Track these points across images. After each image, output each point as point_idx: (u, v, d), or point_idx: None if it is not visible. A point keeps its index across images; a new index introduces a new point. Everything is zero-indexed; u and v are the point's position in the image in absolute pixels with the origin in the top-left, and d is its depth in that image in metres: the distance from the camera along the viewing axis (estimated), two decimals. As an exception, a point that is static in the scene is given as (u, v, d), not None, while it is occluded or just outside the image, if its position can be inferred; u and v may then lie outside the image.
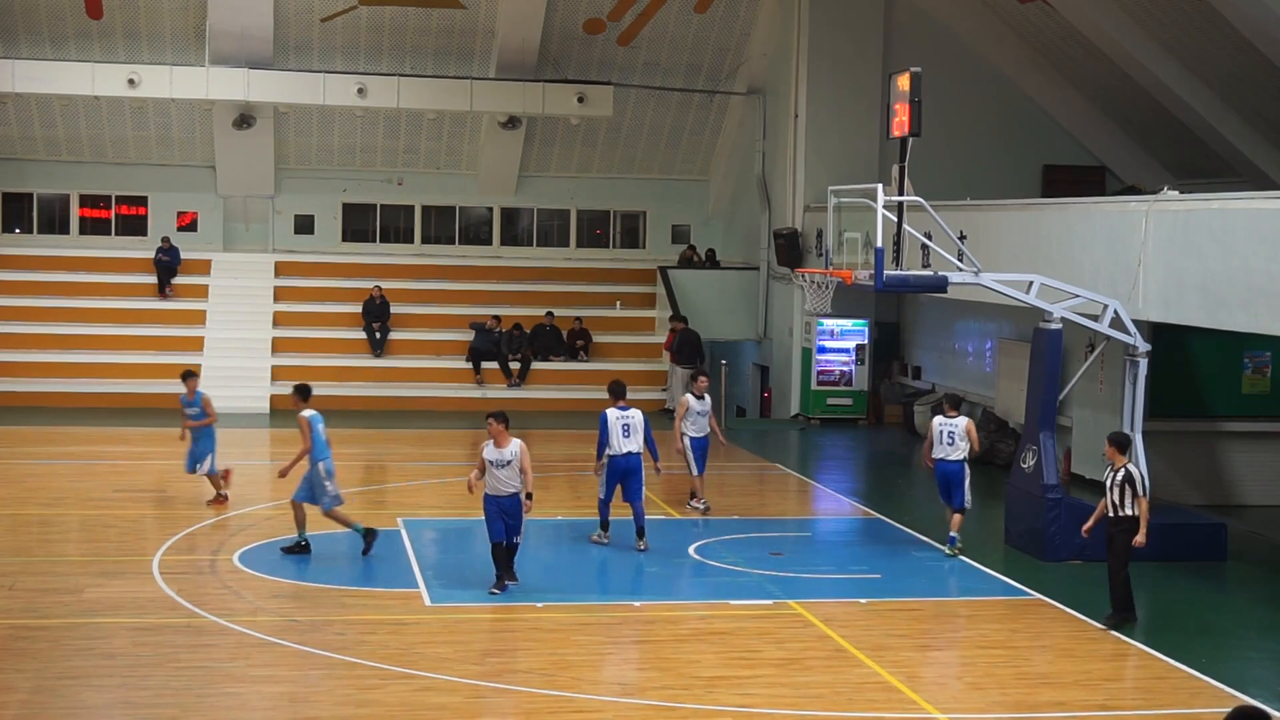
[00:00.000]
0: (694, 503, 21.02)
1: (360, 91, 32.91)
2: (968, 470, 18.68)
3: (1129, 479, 15.47)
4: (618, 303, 34.94)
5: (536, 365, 32.68)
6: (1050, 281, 18.88)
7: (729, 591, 16.57)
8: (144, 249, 34.13)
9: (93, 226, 35.02)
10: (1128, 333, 18.64)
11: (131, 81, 32.14)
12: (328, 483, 17.68)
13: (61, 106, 33.24)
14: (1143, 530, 15.41)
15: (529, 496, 16.12)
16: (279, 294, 33.82)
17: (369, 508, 20.54)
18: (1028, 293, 18.75)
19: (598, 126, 35.12)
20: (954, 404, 18.96)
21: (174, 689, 12.84)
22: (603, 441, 18.40)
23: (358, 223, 35.97)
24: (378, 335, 32.66)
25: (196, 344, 31.87)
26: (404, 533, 19.08)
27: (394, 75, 33.26)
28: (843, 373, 30.85)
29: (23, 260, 33.71)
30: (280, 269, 34.45)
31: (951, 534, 18.65)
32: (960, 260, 19.41)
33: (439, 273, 35.03)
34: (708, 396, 20.91)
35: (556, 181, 36.43)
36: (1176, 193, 19.34)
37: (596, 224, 37.25)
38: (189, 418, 20.63)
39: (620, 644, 14.89)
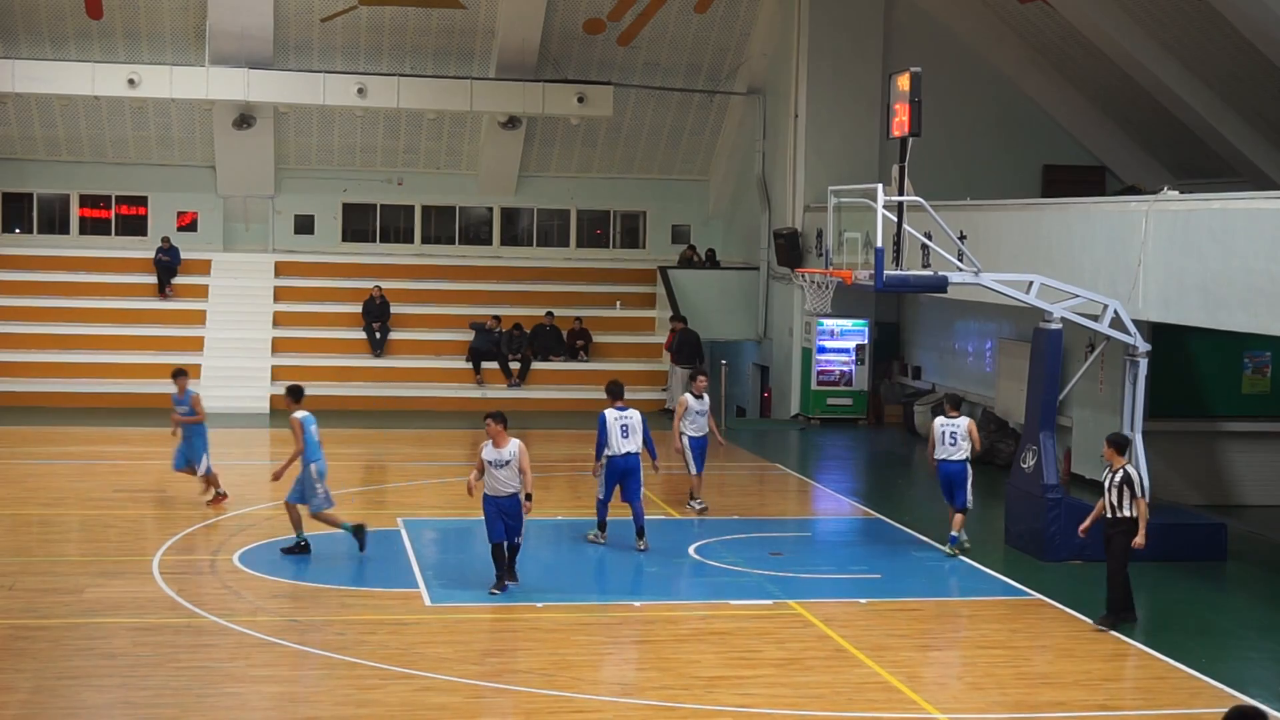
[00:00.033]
0: (692, 503, 21.03)
1: (360, 91, 32.90)
2: (970, 470, 18.70)
3: (1127, 480, 15.48)
4: (618, 303, 34.93)
5: (536, 365, 32.67)
6: (1050, 281, 18.87)
7: (729, 591, 16.57)
8: (144, 249, 34.12)
9: (93, 226, 35.01)
10: (1128, 333, 18.63)
11: (131, 81, 32.13)
12: (318, 484, 17.68)
13: (61, 106, 33.23)
14: (1141, 531, 15.42)
15: (528, 497, 16.12)
16: (279, 294, 33.80)
17: (369, 508, 20.55)
18: (1028, 293, 18.75)
19: (598, 126, 35.11)
20: (955, 404, 18.96)
21: (174, 689, 12.84)
22: (601, 442, 18.41)
23: (358, 223, 35.95)
24: (378, 335, 32.64)
25: (196, 344, 31.87)
26: (404, 533, 19.07)
27: (394, 75, 33.25)
28: (843, 373, 30.83)
29: (23, 260, 33.69)
30: (280, 269, 34.44)
31: (953, 534, 18.66)
32: (960, 260, 19.40)
33: (439, 273, 35.01)
34: (706, 396, 20.93)
35: (556, 181, 36.42)
36: (1176, 193, 19.33)
37: (596, 224, 37.23)
38: (180, 415, 20.71)
39: (620, 644, 14.88)
